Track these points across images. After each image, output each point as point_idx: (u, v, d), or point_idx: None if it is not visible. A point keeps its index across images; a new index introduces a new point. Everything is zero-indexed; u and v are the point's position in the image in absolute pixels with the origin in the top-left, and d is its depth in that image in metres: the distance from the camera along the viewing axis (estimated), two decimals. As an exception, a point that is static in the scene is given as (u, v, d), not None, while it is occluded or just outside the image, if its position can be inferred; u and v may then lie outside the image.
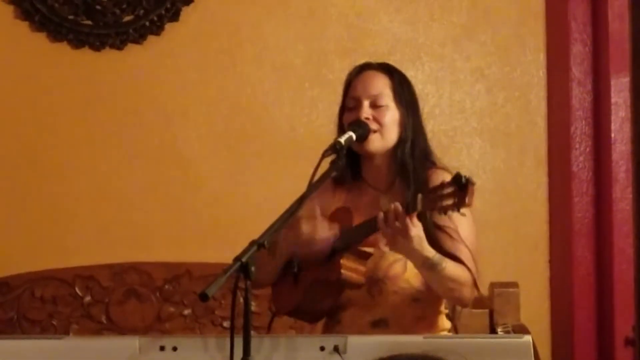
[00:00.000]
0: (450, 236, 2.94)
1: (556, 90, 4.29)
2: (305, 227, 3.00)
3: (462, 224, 2.95)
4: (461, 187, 2.65)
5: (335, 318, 3.07)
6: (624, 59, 4.10)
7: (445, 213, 2.75)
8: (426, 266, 2.87)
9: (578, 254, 4.21)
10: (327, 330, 3.11)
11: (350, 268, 2.94)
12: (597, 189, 4.21)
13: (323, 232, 2.99)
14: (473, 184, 2.65)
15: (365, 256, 2.96)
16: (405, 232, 2.80)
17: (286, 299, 3.10)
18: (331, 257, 2.98)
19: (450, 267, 2.89)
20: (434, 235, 2.92)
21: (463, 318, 3.57)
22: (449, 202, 2.68)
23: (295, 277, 3.05)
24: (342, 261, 2.94)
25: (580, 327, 4.19)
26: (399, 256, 2.98)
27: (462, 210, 2.68)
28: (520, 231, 4.29)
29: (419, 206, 2.76)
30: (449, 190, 2.69)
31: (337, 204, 3.12)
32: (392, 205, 2.80)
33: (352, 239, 2.96)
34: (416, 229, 2.81)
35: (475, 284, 2.96)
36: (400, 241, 2.82)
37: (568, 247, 4.22)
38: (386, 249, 2.95)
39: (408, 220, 2.78)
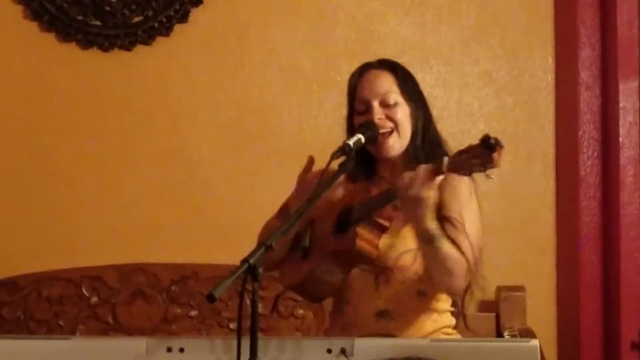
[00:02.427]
0: (454, 226, 2.91)
1: (564, 95, 4.29)
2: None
3: (469, 220, 2.95)
4: (489, 149, 2.64)
5: (341, 310, 3.08)
6: (633, 63, 4.11)
7: (470, 174, 2.72)
8: (425, 238, 2.84)
9: (585, 258, 4.21)
10: (333, 320, 3.13)
11: (365, 238, 2.91)
12: (604, 193, 4.21)
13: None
14: (502, 146, 2.62)
15: (381, 228, 2.93)
16: (418, 190, 2.77)
17: (295, 273, 3.08)
18: (347, 228, 2.97)
19: (446, 248, 2.85)
20: (438, 224, 2.88)
21: (469, 321, 3.56)
22: (476, 161, 2.66)
23: (305, 251, 3.05)
24: (358, 229, 2.91)
25: (587, 331, 4.19)
26: (409, 247, 2.98)
27: (489, 171, 2.65)
28: (527, 235, 4.29)
29: (445, 168, 2.73)
30: (476, 152, 2.66)
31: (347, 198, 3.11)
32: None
33: (371, 207, 2.93)
34: (430, 192, 2.77)
35: (471, 276, 2.91)
36: (411, 200, 2.79)
37: (575, 251, 4.22)
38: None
39: (425, 179, 2.75)
